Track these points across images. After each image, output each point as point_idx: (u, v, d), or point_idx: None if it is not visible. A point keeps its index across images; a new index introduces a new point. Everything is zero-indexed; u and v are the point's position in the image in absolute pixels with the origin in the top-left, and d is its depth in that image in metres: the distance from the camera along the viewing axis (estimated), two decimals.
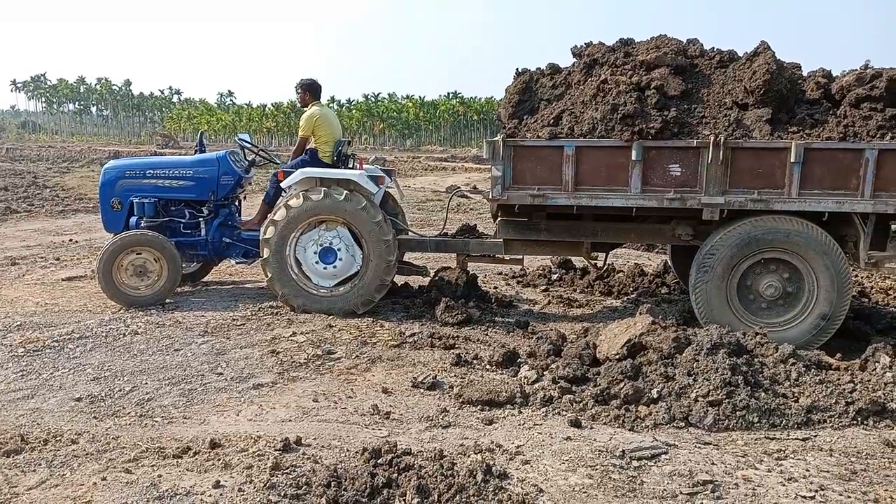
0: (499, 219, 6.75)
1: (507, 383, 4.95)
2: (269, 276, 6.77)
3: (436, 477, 3.47)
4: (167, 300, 7.04)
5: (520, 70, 6.77)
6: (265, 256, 6.73)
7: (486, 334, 6.31)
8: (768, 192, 5.82)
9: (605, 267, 8.18)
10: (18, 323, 6.27)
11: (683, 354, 4.87)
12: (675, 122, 5.87)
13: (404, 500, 3.31)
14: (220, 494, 3.40)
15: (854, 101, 5.83)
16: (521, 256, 7.24)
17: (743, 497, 3.50)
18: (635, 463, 3.83)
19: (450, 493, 3.35)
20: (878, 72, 5.92)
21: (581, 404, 4.60)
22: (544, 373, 5.14)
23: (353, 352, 5.67)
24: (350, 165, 7.55)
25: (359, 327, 6.29)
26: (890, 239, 5.99)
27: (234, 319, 6.52)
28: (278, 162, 7.99)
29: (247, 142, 7.92)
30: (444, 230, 7.76)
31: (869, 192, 5.65)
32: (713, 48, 6.50)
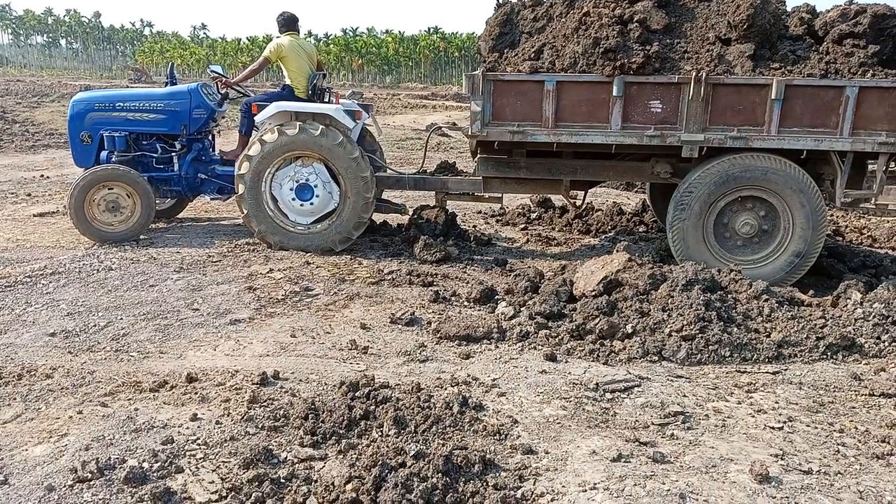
0: (478, 156, 6.67)
1: (485, 319, 4.98)
2: (245, 212, 6.68)
3: (413, 409, 3.51)
4: (141, 236, 6.94)
5: (501, 1, 6.59)
6: (240, 192, 6.63)
7: (465, 272, 6.31)
8: (748, 129, 5.80)
9: (584, 206, 8.18)
10: None
11: (658, 291, 4.92)
12: (657, 56, 5.77)
13: (381, 431, 3.35)
14: (198, 427, 3.42)
15: (837, 38, 5.77)
16: (500, 195, 7.21)
17: (713, 427, 3.58)
18: (608, 395, 3.90)
19: (426, 424, 3.39)
20: (863, 7, 5.84)
21: (557, 339, 4.65)
22: (521, 309, 5.17)
23: (331, 288, 5.65)
24: (326, 100, 7.39)
25: (337, 264, 6.26)
26: (866, 178, 6.03)
27: (210, 256, 6.46)
28: (251, 95, 7.78)
29: (219, 74, 7.70)
30: (423, 168, 7.68)
31: (848, 130, 5.64)
32: None
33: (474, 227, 8.20)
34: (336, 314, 5.17)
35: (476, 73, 6.08)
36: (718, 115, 5.79)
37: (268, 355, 4.39)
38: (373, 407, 3.53)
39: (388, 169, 7.55)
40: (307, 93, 7.19)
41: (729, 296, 4.96)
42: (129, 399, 3.71)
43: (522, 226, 8.40)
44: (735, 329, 4.57)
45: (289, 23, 7.38)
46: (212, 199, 7.64)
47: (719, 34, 5.93)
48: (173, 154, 7.30)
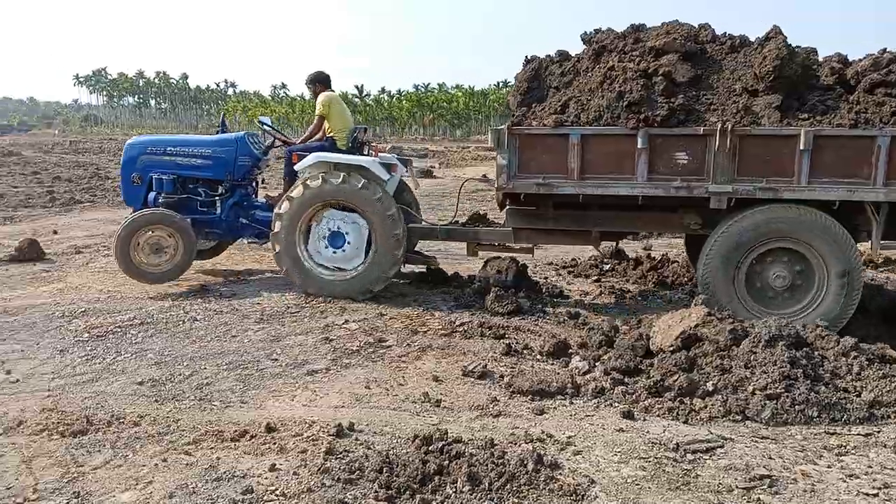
0: (506, 208, 6.72)
1: (558, 374, 4.92)
2: (284, 268, 6.93)
3: (487, 465, 3.48)
4: (223, 288, 7.20)
5: (529, 57, 6.69)
6: (277, 250, 6.87)
7: (537, 324, 6.28)
8: (777, 180, 5.69)
9: (659, 257, 8.06)
10: (83, 309, 6.51)
11: (740, 347, 4.77)
12: (682, 108, 5.77)
13: (455, 487, 3.33)
14: (276, 477, 3.48)
15: (868, 87, 5.64)
16: (530, 245, 7.20)
17: (801, 493, 3.41)
18: (690, 456, 3.77)
19: (501, 481, 3.36)
20: None
21: (634, 396, 4.55)
22: (596, 364, 5.09)
23: (404, 340, 5.72)
24: (365, 153, 7.64)
25: (410, 316, 6.33)
26: None
27: (288, 307, 6.64)
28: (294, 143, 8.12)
29: (267, 125, 8.08)
30: (456, 218, 7.77)
31: (881, 180, 5.48)
32: (725, 33, 6.33)
33: (545, 278, 8.17)
34: (409, 366, 5.21)
35: (501, 127, 6.17)
36: (746, 166, 5.72)
37: (343, 406, 4.45)
38: (446, 462, 3.52)
39: (421, 221, 7.67)
40: (348, 145, 7.43)
41: (815, 353, 4.77)
42: (212, 448, 3.81)
43: (595, 277, 8.31)
44: (823, 388, 4.38)
45: (327, 81, 7.84)
46: (249, 242, 7.91)
47: (746, 85, 5.88)
48: (216, 198, 7.60)
